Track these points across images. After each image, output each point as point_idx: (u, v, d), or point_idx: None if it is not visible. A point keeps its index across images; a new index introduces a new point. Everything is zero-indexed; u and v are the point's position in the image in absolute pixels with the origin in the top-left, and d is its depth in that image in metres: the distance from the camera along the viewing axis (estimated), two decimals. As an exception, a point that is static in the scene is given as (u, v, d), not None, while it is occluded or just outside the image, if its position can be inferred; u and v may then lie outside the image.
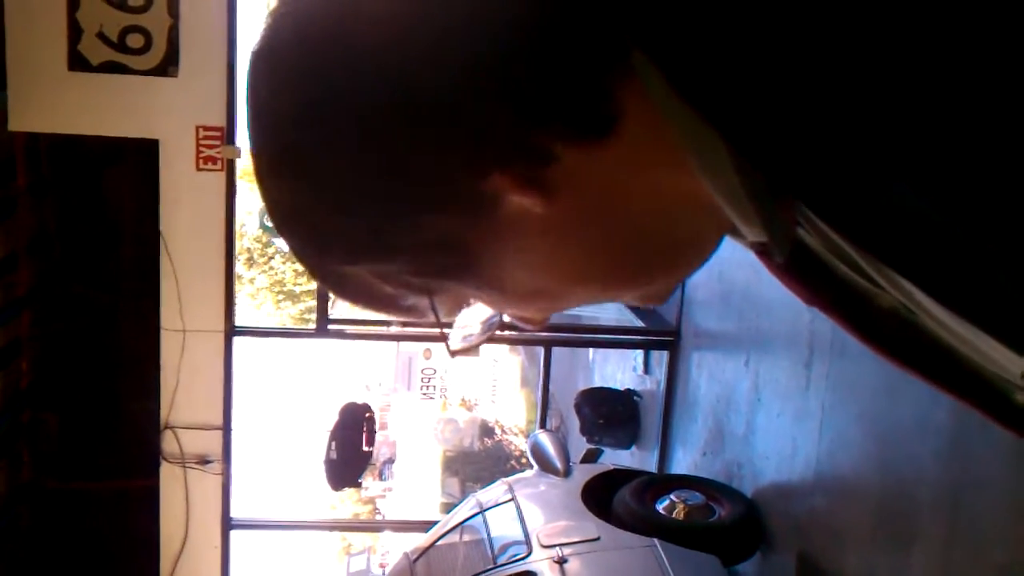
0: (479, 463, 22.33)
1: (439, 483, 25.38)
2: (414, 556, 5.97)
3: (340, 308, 9.43)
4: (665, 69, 0.61)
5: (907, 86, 0.55)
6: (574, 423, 9.67)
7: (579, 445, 9.29)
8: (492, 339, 0.87)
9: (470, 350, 0.80)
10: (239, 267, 21.16)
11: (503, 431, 23.76)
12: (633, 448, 9.17)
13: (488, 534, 5.90)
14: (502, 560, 5.59)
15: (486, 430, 24.30)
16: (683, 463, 7.86)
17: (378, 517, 26.90)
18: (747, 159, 0.61)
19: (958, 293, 0.62)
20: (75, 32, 7.40)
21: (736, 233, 0.80)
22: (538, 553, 5.45)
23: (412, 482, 26.65)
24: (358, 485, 9.67)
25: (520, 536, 5.66)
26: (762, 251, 0.78)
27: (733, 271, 6.84)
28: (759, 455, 6.29)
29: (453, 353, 0.78)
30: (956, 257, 0.59)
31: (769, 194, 0.66)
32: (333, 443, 8.51)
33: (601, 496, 6.19)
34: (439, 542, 6.13)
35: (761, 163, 0.61)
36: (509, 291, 0.74)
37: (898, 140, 0.56)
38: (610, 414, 9.10)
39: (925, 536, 4.58)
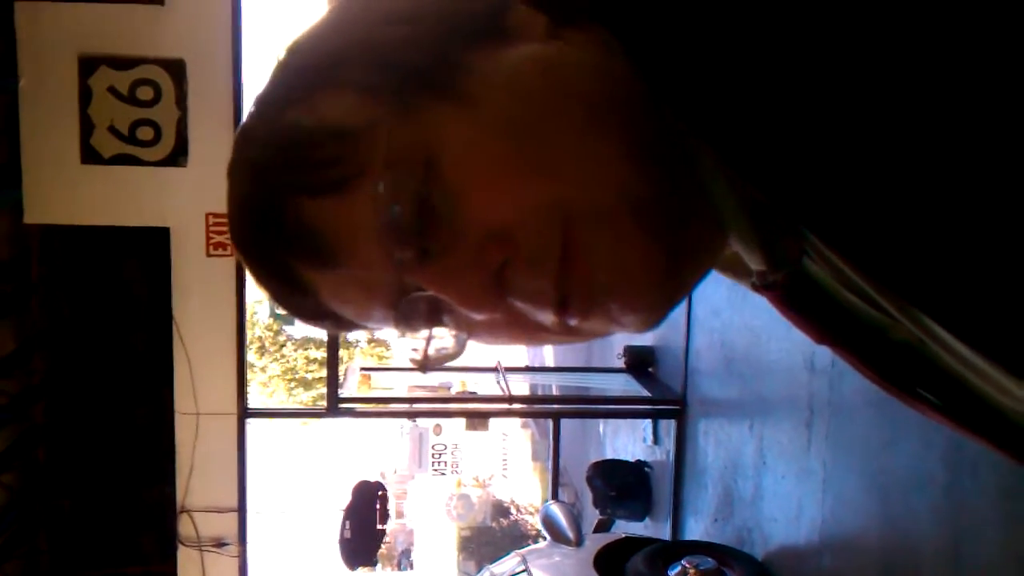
0: (495, 543, 22.15)
1: (456, 565, 25.17)
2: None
3: (350, 387, 9.54)
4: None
5: (903, 94, 0.54)
6: (588, 497, 9.70)
7: (593, 518, 9.33)
8: (459, 353, 0.75)
9: (443, 362, 0.76)
10: (251, 356, 21.29)
11: (518, 510, 23.63)
12: (647, 520, 9.19)
13: (502, 605, 5.94)
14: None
15: (501, 510, 24.17)
16: (695, 530, 7.89)
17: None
18: (738, 173, 0.61)
19: (967, 320, 0.59)
20: (87, 126, 7.65)
21: (739, 273, 0.82)
22: (551, 622, 5.50)
23: (429, 564, 26.40)
24: (373, 564, 9.67)
25: (533, 606, 5.70)
26: (764, 286, 0.78)
27: (734, 337, 6.97)
28: (767, 518, 6.34)
29: (424, 367, 0.75)
30: (964, 281, 0.57)
31: (769, 215, 0.68)
32: (347, 523, 8.55)
33: (613, 565, 6.22)
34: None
35: (756, 181, 0.61)
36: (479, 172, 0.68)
37: (898, 157, 0.55)
38: (622, 485, 9.13)
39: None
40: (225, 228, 5.86)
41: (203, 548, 8.19)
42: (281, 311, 0.80)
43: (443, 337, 0.75)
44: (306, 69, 0.72)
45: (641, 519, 9.13)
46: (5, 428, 7.98)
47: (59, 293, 8.59)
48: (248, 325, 8.85)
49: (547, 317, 0.70)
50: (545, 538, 6.88)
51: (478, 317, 0.72)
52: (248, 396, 8.38)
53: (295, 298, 0.76)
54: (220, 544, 8.20)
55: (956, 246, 0.55)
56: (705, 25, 0.61)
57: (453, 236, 0.68)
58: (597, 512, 9.19)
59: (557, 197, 0.66)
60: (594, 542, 6.67)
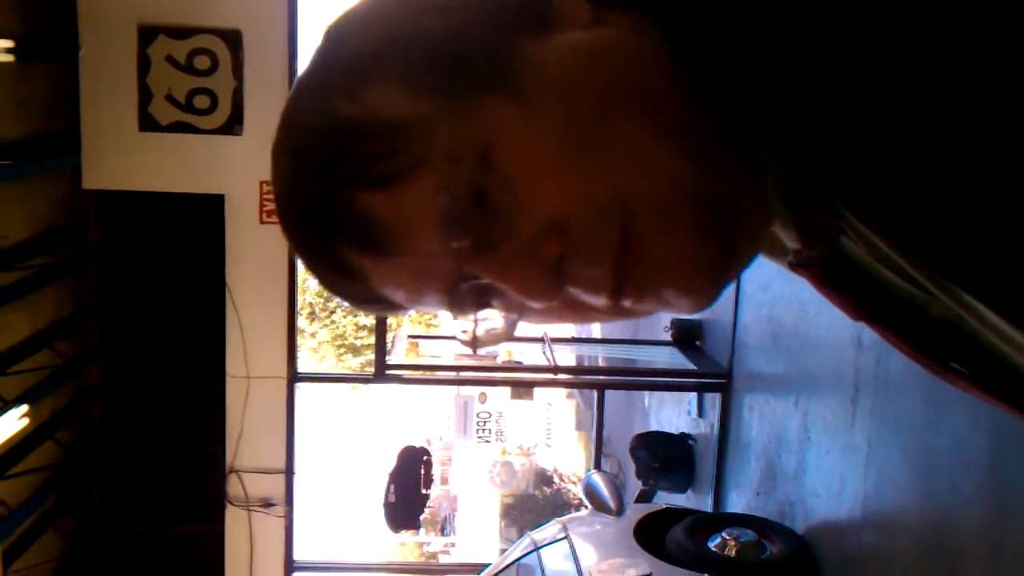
0: (538, 511, 22.30)
1: (498, 531, 25.40)
2: (471, 594, 6.12)
3: (398, 354, 9.66)
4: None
5: (939, 77, 0.56)
6: (631, 468, 9.75)
7: (635, 489, 9.39)
8: (510, 334, 0.76)
9: (493, 343, 0.77)
10: (301, 321, 21.48)
11: (560, 479, 23.78)
12: (689, 492, 9.23)
13: (542, 571, 6.03)
14: (556, 595, 5.72)
15: (543, 478, 24.33)
16: (737, 504, 7.92)
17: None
18: (776, 153, 0.63)
19: (1007, 295, 0.60)
20: (145, 95, 7.78)
21: (775, 252, 0.83)
22: (592, 589, 5.58)
23: (472, 531, 26.65)
24: (417, 527, 9.84)
25: (573, 573, 5.78)
26: (800, 264, 0.79)
27: (781, 311, 6.97)
28: (809, 492, 6.37)
29: (475, 346, 0.77)
30: (1002, 257, 0.58)
31: (805, 194, 0.70)
32: (392, 486, 8.69)
33: (653, 534, 6.28)
34: (495, 579, 6.27)
35: (793, 161, 0.62)
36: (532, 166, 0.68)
37: (935, 135, 0.56)
38: (666, 458, 9.18)
39: (969, 567, 4.64)
40: (278, 196, 5.94)
41: (251, 508, 8.37)
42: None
43: (493, 318, 0.76)
44: (351, 58, 0.72)
45: (683, 491, 9.18)
46: (61, 387, 8.19)
47: (116, 258, 8.77)
48: (299, 291, 8.99)
49: (601, 301, 0.71)
50: (586, 507, 6.95)
51: (535, 305, 0.73)
52: (298, 361, 8.52)
53: (345, 284, 0.77)
54: (267, 504, 8.38)
55: (993, 222, 0.56)
56: (743, 12, 0.63)
57: (510, 227, 0.69)
58: (639, 483, 9.25)
59: (612, 189, 0.67)
60: (635, 512, 6.73)
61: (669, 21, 0.69)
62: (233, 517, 8.42)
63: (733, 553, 6.08)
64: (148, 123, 7.91)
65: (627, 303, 0.71)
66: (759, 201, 0.72)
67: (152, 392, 8.66)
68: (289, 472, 8.41)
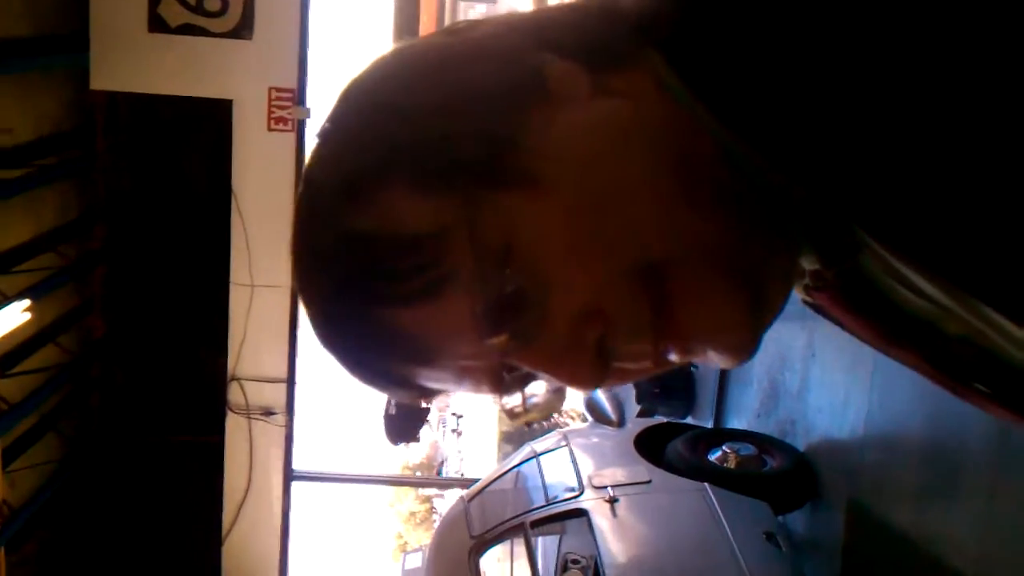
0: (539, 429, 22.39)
1: (496, 447, 25.60)
2: (469, 498, 6.13)
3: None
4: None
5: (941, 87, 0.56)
6: (631, 393, 9.75)
7: (634, 414, 9.39)
8: (560, 405, 0.77)
9: (542, 416, 0.77)
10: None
11: (560, 413, 23.88)
12: (689, 419, 9.24)
13: (542, 477, 6.04)
14: (555, 498, 5.72)
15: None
16: (736, 427, 7.93)
17: (435, 518, 27.18)
18: (789, 176, 0.63)
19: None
20: (155, -5, 7.70)
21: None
22: (590, 493, 5.58)
23: (472, 450, 26.79)
24: (416, 440, 9.85)
25: (573, 478, 5.79)
26: (817, 288, 0.78)
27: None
28: (812, 409, 6.36)
29: (529, 421, 0.77)
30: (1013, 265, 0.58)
31: (820, 214, 0.68)
32: (392, 399, 8.69)
33: (654, 447, 6.29)
34: (493, 485, 6.28)
35: (807, 182, 0.62)
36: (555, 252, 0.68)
37: (951, 151, 0.57)
38: (666, 383, 9.16)
39: (970, 487, 4.64)
40: (287, 103, 5.86)
41: (251, 416, 8.39)
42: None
43: (539, 391, 0.75)
44: (359, 167, 0.70)
45: (683, 417, 9.16)
46: (64, 290, 8.18)
47: (122, 164, 8.72)
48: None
49: (646, 366, 0.72)
50: (587, 420, 6.96)
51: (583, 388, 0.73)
52: (302, 271, 8.49)
53: (392, 388, 0.76)
54: (268, 413, 8.40)
55: (1012, 234, 0.56)
56: (749, 40, 0.62)
57: (544, 319, 0.68)
58: (639, 408, 9.24)
59: (637, 261, 0.67)
60: (635, 425, 6.74)
61: (678, 64, 0.68)
62: (234, 425, 8.45)
63: (733, 465, 6.10)
64: (158, 24, 7.81)
65: (672, 358, 0.71)
66: (785, 242, 0.72)
67: (155, 299, 8.65)
68: (291, 382, 8.43)
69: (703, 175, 0.67)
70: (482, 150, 0.68)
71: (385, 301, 0.69)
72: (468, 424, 28.19)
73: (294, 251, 0.74)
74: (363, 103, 0.73)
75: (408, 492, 28.61)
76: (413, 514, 30.18)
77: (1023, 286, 0.58)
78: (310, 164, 0.74)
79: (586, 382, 0.71)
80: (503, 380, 0.72)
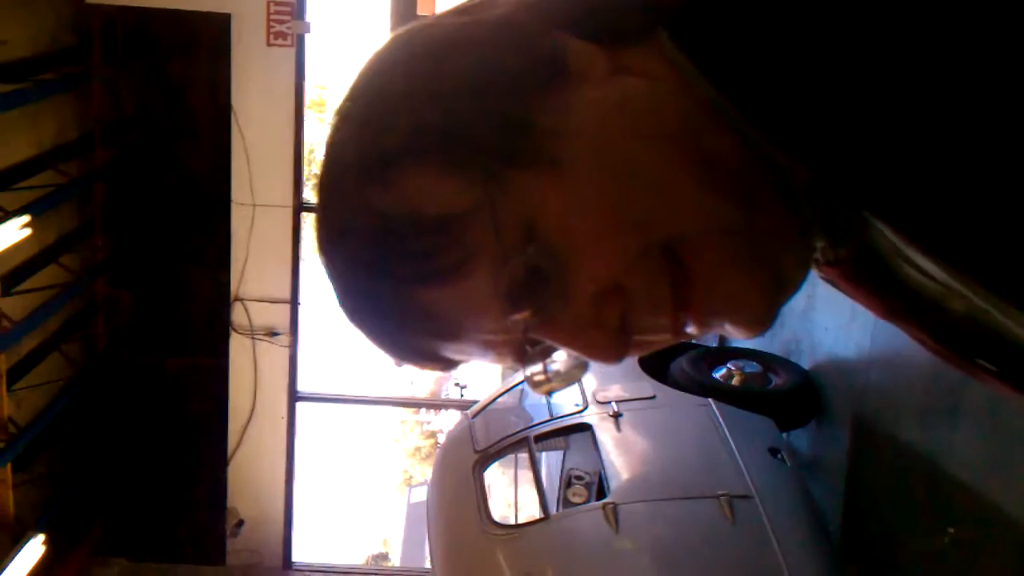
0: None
1: (500, 373, 25.82)
2: (473, 415, 6.12)
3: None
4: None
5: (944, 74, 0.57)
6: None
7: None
8: (583, 373, 0.79)
9: (565, 384, 0.79)
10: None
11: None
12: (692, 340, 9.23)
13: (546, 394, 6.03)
14: (558, 414, 5.72)
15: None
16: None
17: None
18: (798, 157, 0.64)
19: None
20: (151, -95, 7.52)
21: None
22: (594, 408, 5.57)
23: (478, 382, 26.99)
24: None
25: (576, 395, 5.77)
26: (827, 262, 0.79)
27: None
28: (818, 328, 6.31)
29: (550, 390, 0.78)
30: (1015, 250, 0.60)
31: (827, 194, 0.69)
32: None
33: (658, 364, 6.27)
34: (497, 401, 6.27)
35: (814, 162, 0.64)
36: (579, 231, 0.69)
37: (959, 135, 0.58)
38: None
39: (974, 402, 4.60)
40: (286, 17, 5.73)
41: (255, 337, 8.38)
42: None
43: (561, 360, 0.77)
44: (381, 145, 0.71)
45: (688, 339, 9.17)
46: (65, 208, 8.10)
47: (121, 81, 8.59)
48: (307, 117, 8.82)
49: (665, 339, 0.74)
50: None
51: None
52: (304, 190, 8.42)
53: (417, 360, 0.78)
54: (272, 334, 8.38)
55: (1011, 219, 0.58)
56: (761, 21, 0.63)
57: (567, 295, 0.70)
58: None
59: (657, 238, 0.68)
60: (640, 344, 6.72)
61: (686, 41, 0.69)
62: (238, 346, 8.44)
63: (737, 382, 6.08)
64: (153, -64, 7.65)
65: (690, 331, 0.73)
66: (798, 220, 0.73)
67: (156, 220, 8.58)
68: (294, 302, 8.40)
69: (716, 153, 0.69)
70: (504, 131, 0.69)
71: (410, 280, 0.71)
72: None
73: (318, 229, 0.76)
74: (383, 85, 0.74)
75: (413, 428, 28.80)
76: (418, 449, 30.45)
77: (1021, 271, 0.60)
78: (331, 143, 0.75)
79: (608, 356, 0.73)
80: (526, 353, 0.75)
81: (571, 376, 0.78)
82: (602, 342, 0.71)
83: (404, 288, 0.72)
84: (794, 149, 0.64)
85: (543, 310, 0.70)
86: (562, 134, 0.69)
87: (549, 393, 0.83)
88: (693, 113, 0.69)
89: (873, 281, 0.79)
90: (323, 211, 0.76)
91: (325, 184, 0.75)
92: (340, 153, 0.74)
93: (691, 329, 0.72)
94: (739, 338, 0.76)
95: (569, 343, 0.73)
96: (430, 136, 0.70)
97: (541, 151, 0.69)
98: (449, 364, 0.80)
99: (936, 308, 0.75)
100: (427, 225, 0.69)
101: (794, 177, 0.69)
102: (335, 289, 0.78)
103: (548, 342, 0.74)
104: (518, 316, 0.71)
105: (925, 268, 0.71)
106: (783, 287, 0.73)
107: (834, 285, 0.82)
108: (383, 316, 0.75)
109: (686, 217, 0.68)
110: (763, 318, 0.72)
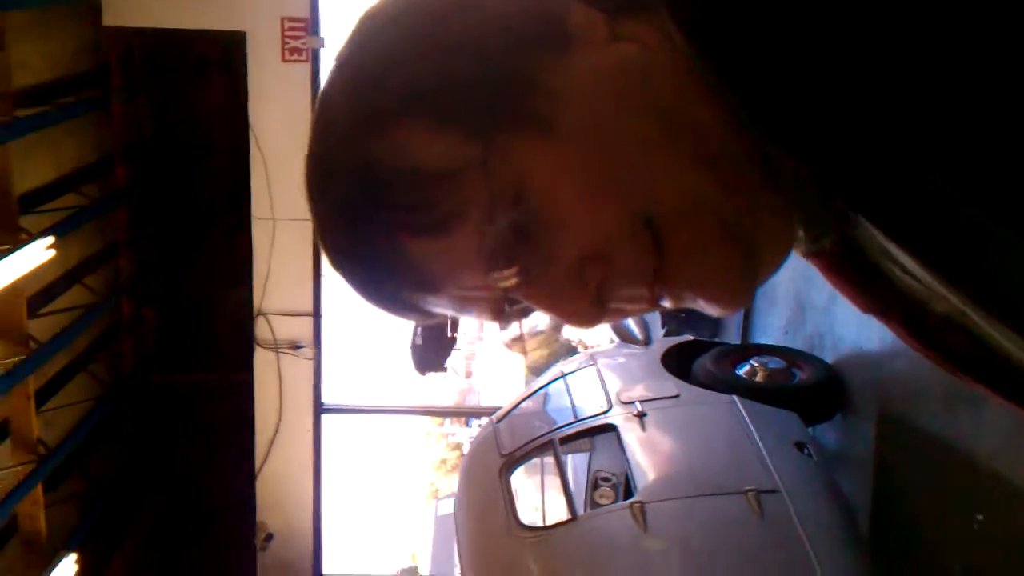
0: (565, 355, 22.56)
1: (523, 378, 25.91)
2: (498, 419, 6.14)
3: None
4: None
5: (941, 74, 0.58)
6: (657, 318, 9.73)
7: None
8: (557, 335, 0.74)
9: (531, 344, 0.79)
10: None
11: (584, 347, 24.00)
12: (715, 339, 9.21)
13: (570, 396, 6.03)
14: (583, 416, 5.72)
15: (569, 349, 24.60)
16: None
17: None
18: (786, 150, 0.64)
19: (1001, 296, 0.63)
20: (164, -73, 7.60)
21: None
22: (618, 409, 5.57)
23: (496, 385, 27.02)
24: (443, 370, 9.89)
25: (601, 396, 5.78)
26: (810, 252, 0.80)
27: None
28: (840, 322, 6.30)
29: (525, 349, 0.79)
30: (997, 258, 0.61)
31: (812, 188, 0.69)
32: (419, 329, 8.69)
33: (681, 363, 6.27)
34: (521, 405, 6.29)
35: (802, 156, 0.64)
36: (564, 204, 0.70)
37: (934, 131, 0.58)
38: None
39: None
40: (300, 33, 5.79)
41: (279, 350, 8.42)
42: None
43: (537, 321, 0.77)
44: (379, 100, 0.71)
45: (710, 339, 9.14)
46: (88, 228, 8.18)
47: (139, 101, 8.68)
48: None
49: (640, 308, 0.75)
50: (613, 341, 6.94)
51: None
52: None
53: (396, 309, 0.79)
54: (295, 347, 8.42)
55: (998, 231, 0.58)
56: (763, 19, 0.63)
57: (550, 258, 0.71)
58: (665, 330, 9.22)
59: (641, 210, 0.69)
60: (661, 344, 6.72)
61: (685, 22, 0.69)
62: (262, 360, 8.48)
63: (761, 379, 6.07)
64: (167, -43, 7.73)
65: (664, 304, 0.74)
66: (782, 206, 0.74)
67: (179, 238, 8.66)
68: (317, 315, 8.44)
69: (703, 130, 0.69)
70: (500, 92, 0.69)
71: (396, 230, 0.71)
72: (491, 358, 28.44)
73: (308, 171, 0.76)
74: (383, 36, 0.74)
75: (439, 440, 28.77)
76: (444, 461, 30.46)
77: (1003, 282, 0.61)
78: (327, 88, 0.74)
79: (584, 321, 0.74)
80: (504, 312, 0.76)
81: (546, 339, 0.78)
82: (579, 308, 0.73)
83: (389, 237, 0.72)
84: (782, 139, 0.64)
85: (525, 271, 0.71)
86: (557, 96, 0.69)
87: (524, 352, 0.83)
88: (684, 88, 0.69)
89: (856, 275, 0.79)
90: (312, 152, 0.76)
91: (317, 127, 0.76)
92: (335, 100, 0.74)
93: (666, 303, 0.73)
94: (713, 314, 0.76)
95: (547, 306, 0.74)
96: (426, 92, 0.70)
97: (536, 113, 0.69)
98: (429, 316, 0.81)
99: (920, 308, 0.76)
100: (418, 180, 0.70)
101: (780, 162, 0.70)
102: (319, 231, 0.79)
103: (526, 303, 0.74)
104: (500, 275, 0.71)
105: (910, 269, 0.71)
106: (758, 267, 0.73)
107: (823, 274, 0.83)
108: (366, 263, 0.76)
109: (666, 190, 0.69)
110: (735, 296, 0.73)
